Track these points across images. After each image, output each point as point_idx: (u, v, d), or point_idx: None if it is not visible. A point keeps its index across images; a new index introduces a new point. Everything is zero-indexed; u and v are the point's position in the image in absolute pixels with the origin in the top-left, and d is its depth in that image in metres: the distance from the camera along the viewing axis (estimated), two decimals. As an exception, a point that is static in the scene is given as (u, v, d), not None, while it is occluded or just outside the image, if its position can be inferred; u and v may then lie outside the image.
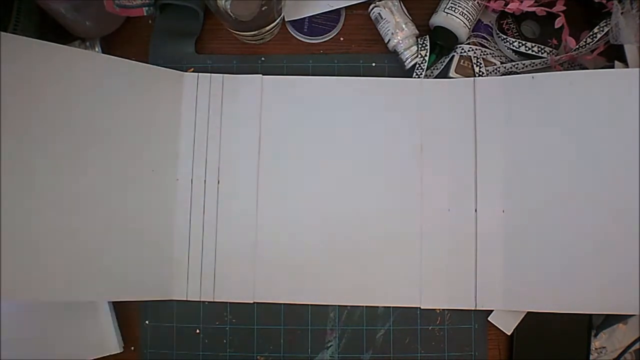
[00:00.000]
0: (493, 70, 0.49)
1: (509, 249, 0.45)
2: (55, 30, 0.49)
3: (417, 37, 0.50)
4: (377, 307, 0.47)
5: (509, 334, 0.46)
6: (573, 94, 0.45)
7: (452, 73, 0.49)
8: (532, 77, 0.46)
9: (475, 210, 0.47)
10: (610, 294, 0.43)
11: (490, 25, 0.51)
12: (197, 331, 0.47)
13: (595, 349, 0.47)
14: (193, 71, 0.50)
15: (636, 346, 0.46)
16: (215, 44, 0.52)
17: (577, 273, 0.44)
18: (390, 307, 0.47)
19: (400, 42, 0.49)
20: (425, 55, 0.49)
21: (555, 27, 0.46)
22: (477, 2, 0.48)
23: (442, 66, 0.50)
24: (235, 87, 0.49)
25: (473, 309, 0.46)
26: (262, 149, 0.48)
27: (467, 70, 0.49)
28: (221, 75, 0.49)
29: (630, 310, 0.43)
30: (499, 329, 0.47)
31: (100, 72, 0.45)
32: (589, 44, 0.46)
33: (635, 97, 0.43)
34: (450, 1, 0.48)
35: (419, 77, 0.49)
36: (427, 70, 0.49)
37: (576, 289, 0.44)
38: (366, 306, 0.48)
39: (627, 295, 0.43)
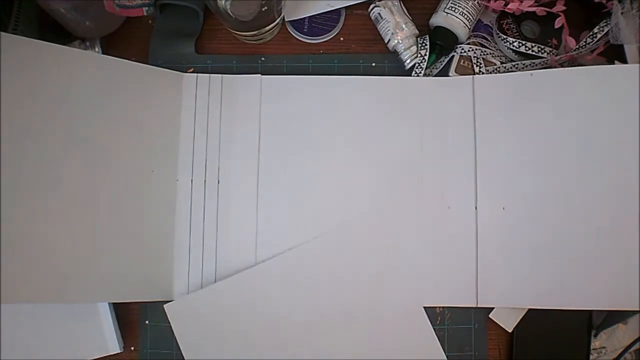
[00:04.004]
0: (493, 71, 0.49)
1: (510, 246, 0.45)
2: (55, 30, 0.49)
3: (417, 37, 0.50)
4: (378, 307, 0.47)
5: (509, 331, 0.46)
6: (572, 91, 0.45)
7: (452, 73, 0.49)
8: (531, 75, 0.46)
9: (476, 208, 0.47)
10: (610, 290, 0.43)
11: (490, 25, 0.51)
12: (197, 331, 0.47)
13: (595, 349, 0.47)
14: (193, 71, 0.50)
15: (636, 346, 0.46)
16: (215, 44, 0.52)
17: (578, 269, 0.44)
18: (390, 307, 0.47)
19: (400, 42, 0.49)
20: (425, 55, 0.49)
21: (555, 27, 0.47)
22: (477, 2, 0.48)
23: (442, 66, 0.50)
24: (235, 87, 0.49)
25: (474, 306, 0.46)
26: (262, 148, 0.48)
27: (467, 70, 0.49)
28: (220, 75, 0.49)
29: (630, 306, 0.43)
30: (499, 329, 0.47)
31: (100, 72, 0.45)
32: (589, 44, 0.47)
33: (635, 94, 0.43)
34: (450, 1, 0.48)
35: (418, 76, 0.49)
36: (426, 69, 0.49)
37: (577, 285, 0.44)
38: (366, 306, 0.48)
39: (628, 291, 0.43)
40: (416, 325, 0.46)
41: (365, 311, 0.46)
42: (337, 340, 0.45)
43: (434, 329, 0.47)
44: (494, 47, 0.51)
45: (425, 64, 0.49)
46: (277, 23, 0.49)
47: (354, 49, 0.52)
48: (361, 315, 0.46)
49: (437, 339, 0.46)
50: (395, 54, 0.50)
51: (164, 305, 0.45)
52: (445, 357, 0.45)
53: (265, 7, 0.45)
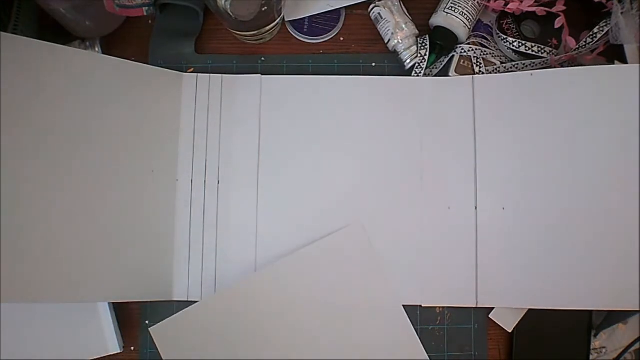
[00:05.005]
0: (493, 71, 0.49)
1: (509, 246, 0.45)
2: (55, 30, 0.49)
3: (417, 37, 0.50)
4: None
5: (509, 331, 0.46)
6: (572, 90, 0.45)
7: (452, 73, 0.49)
8: (531, 75, 0.46)
9: (476, 208, 0.47)
10: (610, 290, 0.43)
11: (490, 25, 0.51)
12: (197, 331, 0.47)
13: (595, 349, 0.47)
14: (193, 71, 0.50)
15: (636, 346, 0.46)
16: (215, 44, 0.52)
17: (578, 269, 0.44)
18: (390, 307, 0.47)
19: (400, 42, 0.49)
20: (425, 55, 0.49)
21: (555, 27, 0.47)
22: (477, 2, 0.48)
23: (442, 66, 0.50)
24: (235, 87, 0.49)
25: (474, 306, 0.46)
26: (262, 148, 0.48)
27: (467, 70, 0.49)
28: (220, 75, 0.49)
29: (630, 306, 0.43)
30: (498, 329, 0.47)
31: (100, 72, 0.45)
32: (589, 44, 0.47)
33: (635, 94, 0.43)
34: (450, 1, 0.48)
35: (418, 76, 0.49)
36: (426, 69, 0.49)
37: (576, 285, 0.44)
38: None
39: (628, 291, 0.43)
40: (398, 324, 0.46)
41: (355, 311, 0.46)
42: (325, 343, 0.45)
43: (434, 328, 0.47)
44: (494, 47, 0.51)
45: (425, 64, 0.49)
46: (277, 23, 0.49)
47: (354, 49, 0.52)
48: (351, 315, 0.46)
49: (418, 338, 0.46)
50: (395, 54, 0.50)
51: (150, 329, 0.45)
52: (426, 356, 0.45)
53: (265, 7, 0.45)
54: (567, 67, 0.48)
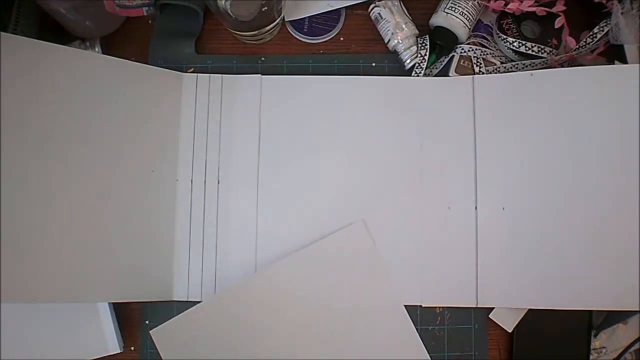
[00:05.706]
0: (493, 71, 0.49)
1: (510, 246, 0.45)
2: (55, 30, 0.49)
3: (417, 37, 0.50)
4: (377, 307, 0.47)
5: (509, 331, 0.46)
6: (572, 90, 0.45)
7: (452, 73, 0.49)
8: (531, 75, 0.46)
9: (476, 208, 0.47)
10: (610, 290, 0.43)
11: (490, 25, 0.51)
12: (197, 331, 0.47)
13: (595, 349, 0.47)
14: (193, 71, 0.50)
15: (636, 346, 0.46)
16: (215, 44, 0.52)
17: (578, 269, 0.44)
18: (390, 307, 0.47)
19: (400, 42, 0.49)
20: (425, 55, 0.49)
21: (555, 27, 0.47)
22: (477, 2, 0.48)
23: (442, 66, 0.50)
24: (235, 87, 0.49)
25: (474, 306, 0.46)
26: (262, 148, 0.48)
27: (467, 70, 0.49)
28: (220, 75, 0.49)
29: (630, 306, 0.43)
30: (498, 329, 0.47)
31: (100, 73, 0.45)
32: (589, 44, 0.47)
33: (635, 94, 0.43)
34: (450, 1, 0.48)
35: (418, 76, 0.49)
36: (426, 69, 0.49)
37: (576, 285, 0.44)
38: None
39: (628, 291, 0.43)
40: (399, 323, 0.46)
41: (357, 311, 0.46)
42: (326, 343, 0.45)
43: (434, 328, 0.47)
44: (494, 47, 0.51)
45: (425, 64, 0.49)
46: (277, 23, 0.49)
47: (354, 49, 0.52)
48: (352, 315, 0.46)
49: (419, 338, 0.46)
50: (395, 54, 0.50)
51: (150, 332, 0.45)
52: (428, 356, 0.45)
53: (265, 7, 0.45)
54: (567, 67, 0.48)
